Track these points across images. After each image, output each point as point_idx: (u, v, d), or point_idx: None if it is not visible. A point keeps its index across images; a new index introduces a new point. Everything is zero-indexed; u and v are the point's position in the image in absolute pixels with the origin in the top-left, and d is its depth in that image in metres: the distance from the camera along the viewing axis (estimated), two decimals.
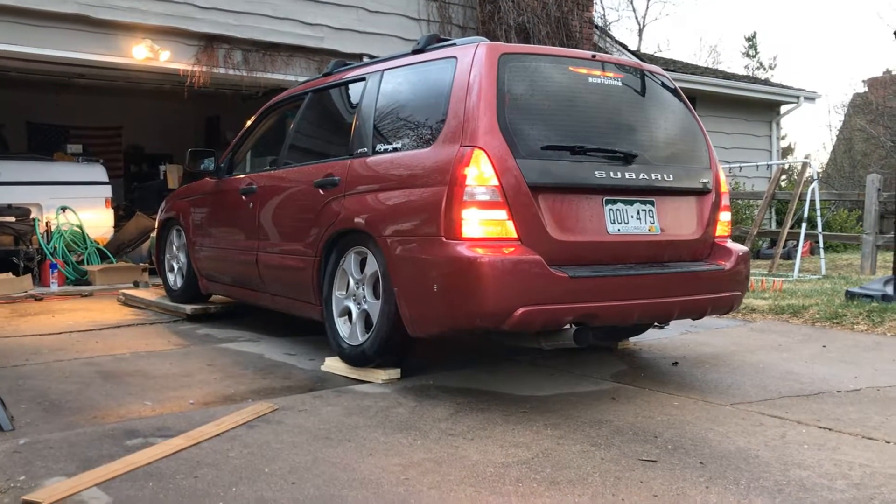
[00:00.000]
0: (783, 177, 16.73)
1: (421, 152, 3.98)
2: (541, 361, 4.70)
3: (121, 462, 2.91)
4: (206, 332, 5.75)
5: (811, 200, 9.91)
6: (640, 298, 3.92)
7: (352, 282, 4.32)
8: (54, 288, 8.24)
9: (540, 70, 4.02)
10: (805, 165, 10.80)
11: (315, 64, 9.45)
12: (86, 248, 9.13)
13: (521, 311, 3.57)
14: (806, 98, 15.10)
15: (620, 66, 4.33)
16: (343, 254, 4.36)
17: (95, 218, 9.48)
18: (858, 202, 12.70)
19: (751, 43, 37.43)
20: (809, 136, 41.97)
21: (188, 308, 6.25)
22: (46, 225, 8.95)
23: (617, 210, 4.00)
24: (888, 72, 26.12)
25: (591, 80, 4.11)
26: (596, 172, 3.92)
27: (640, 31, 31.06)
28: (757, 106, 14.78)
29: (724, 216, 4.47)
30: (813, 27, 55.44)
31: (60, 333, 5.63)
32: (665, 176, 4.15)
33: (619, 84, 4.22)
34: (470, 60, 3.89)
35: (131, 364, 4.64)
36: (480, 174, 3.65)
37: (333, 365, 4.40)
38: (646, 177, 4.08)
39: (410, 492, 2.67)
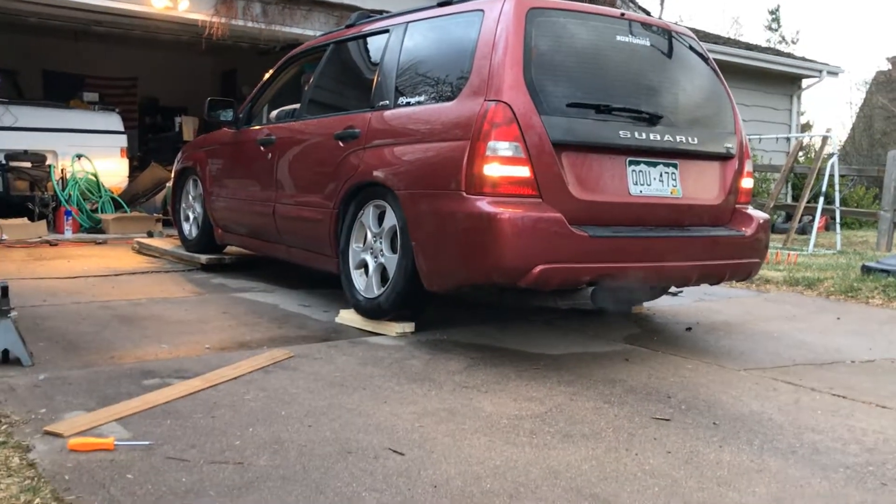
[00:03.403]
0: (800, 153, 16.56)
1: (444, 106, 3.94)
2: (554, 321, 4.71)
3: (139, 400, 2.94)
4: (221, 281, 5.78)
5: (830, 175, 9.81)
6: (660, 261, 3.91)
7: (369, 235, 4.32)
8: (68, 235, 8.30)
9: (568, 26, 3.95)
10: (825, 139, 10.66)
11: (334, 19, 9.36)
12: (100, 197, 9.17)
13: (539, 268, 3.56)
14: (829, 72, 14.90)
15: (649, 27, 4.26)
16: (361, 207, 4.36)
17: (110, 167, 9.50)
18: (877, 179, 12.58)
19: (774, 16, 36.83)
20: (828, 114, 41.40)
21: (203, 258, 6.27)
22: (62, 172, 8.97)
23: (640, 171, 3.97)
24: None
25: (619, 38, 4.06)
26: (620, 132, 3.88)
27: (662, 1, 30.56)
28: (778, 79, 14.59)
29: (747, 183, 4.42)
30: (838, 2, 54.48)
31: (76, 278, 5.67)
32: (689, 139, 4.11)
33: (648, 44, 4.16)
34: (497, 14, 3.83)
35: (147, 309, 4.68)
36: (504, 129, 3.61)
37: (348, 317, 4.42)
38: (670, 139, 4.04)
39: (425, 438, 2.70)
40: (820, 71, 14.88)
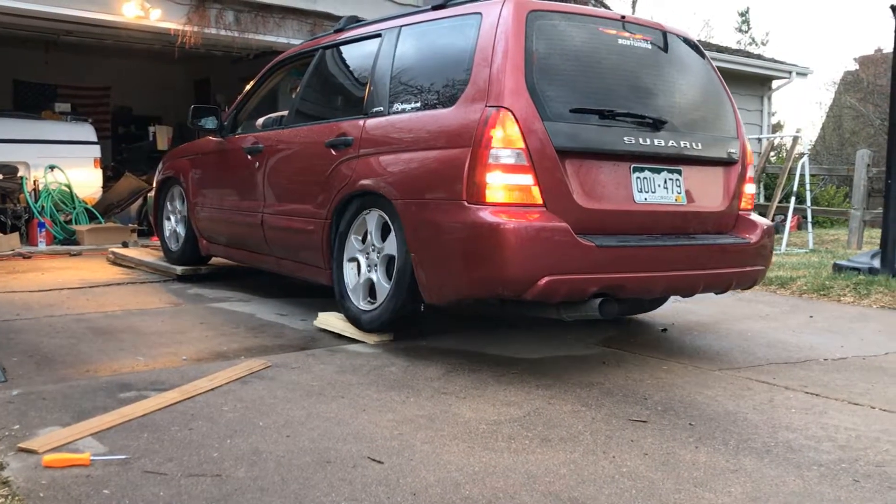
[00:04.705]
0: (772, 153, 16.76)
1: (442, 112, 3.84)
2: (532, 325, 4.73)
3: (115, 413, 2.92)
4: (197, 291, 5.74)
5: (801, 175, 9.94)
6: (667, 270, 3.81)
7: (369, 238, 4.22)
8: (42, 247, 8.20)
9: (568, 29, 3.86)
10: (796, 139, 10.82)
11: (307, 26, 9.34)
12: (74, 208, 9.07)
13: (545, 279, 3.46)
14: (798, 73, 15.08)
15: (650, 29, 4.15)
16: (355, 217, 4.26)
17: (84, 177, 9.40)
18: (847, 178, 12.76)
19: (744, 18, 37.27)
20: (798, 115, 41.97)
21: (179, 268, 6.21)
22: (34, 183, 8.87)
23: (644, 178, 3.88)
24: (879, 50, 26.08)
25: (620, 41, 3.96)
26: (625, 138, 3.78)
27: (634, 3, 30.82)
28: (749, 80, 14.74)
29: (750, 188, 4.34)
30: (806, 4, 55.25)
31: (51, 290, 5.61)
32: (693, 144, 4.02)
33: (649, 47, 4.06)
34: (496, 17, 3.74)
35: (123, 321, 4.64)
36: (506, 136, 3.52)
37: (326, 320, 4.39)
38: (674, 144, 3.94)
39: (404, 445, 2.70)
40: (789, 72, 15.06)
